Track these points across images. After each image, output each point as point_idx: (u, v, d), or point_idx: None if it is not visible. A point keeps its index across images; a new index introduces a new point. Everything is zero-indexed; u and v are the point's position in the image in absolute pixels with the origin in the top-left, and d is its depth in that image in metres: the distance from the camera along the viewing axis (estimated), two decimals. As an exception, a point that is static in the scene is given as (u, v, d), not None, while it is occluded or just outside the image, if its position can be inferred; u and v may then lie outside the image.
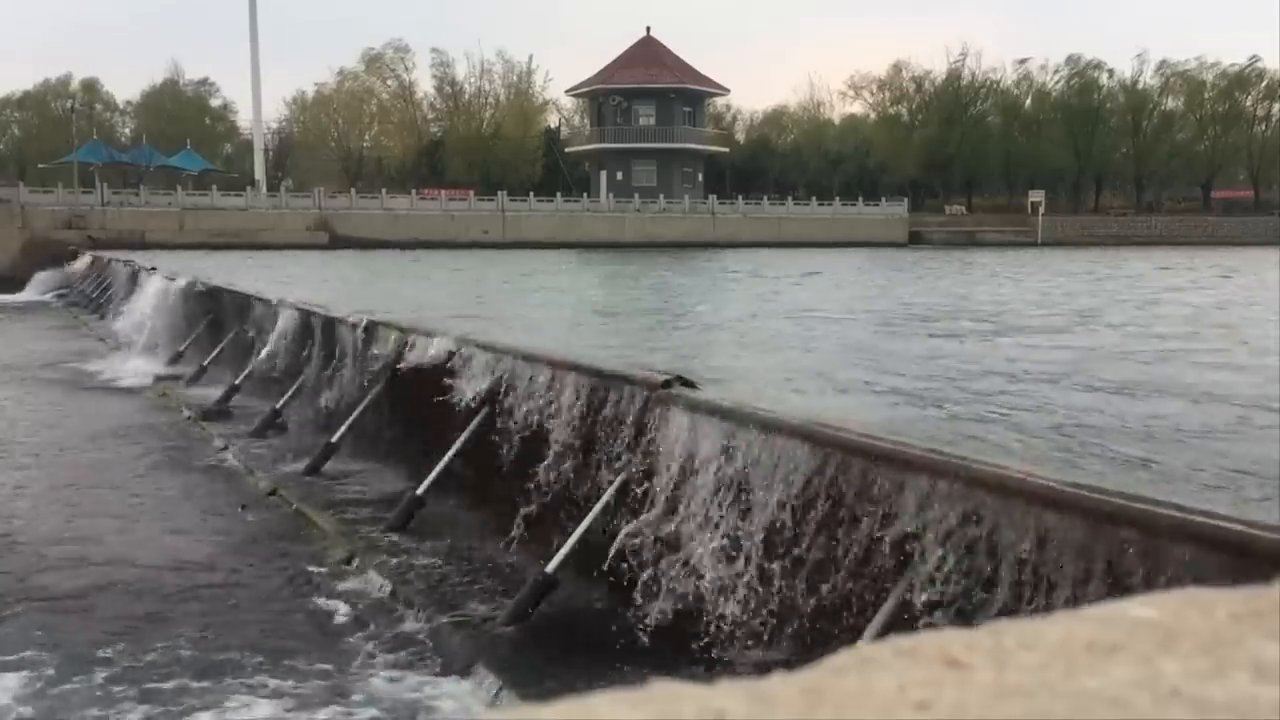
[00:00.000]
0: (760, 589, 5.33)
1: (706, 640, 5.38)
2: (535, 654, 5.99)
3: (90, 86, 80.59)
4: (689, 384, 6.37)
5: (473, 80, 79.21)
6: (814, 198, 70.13)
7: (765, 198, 68.65)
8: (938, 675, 0.65)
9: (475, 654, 6.02)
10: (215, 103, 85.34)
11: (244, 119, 79.10)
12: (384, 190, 60.52)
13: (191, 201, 53.04)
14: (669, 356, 11.34)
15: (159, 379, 16.45)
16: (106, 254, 32.76)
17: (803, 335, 14.26)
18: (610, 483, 6.65)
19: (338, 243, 51.43)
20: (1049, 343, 13.53)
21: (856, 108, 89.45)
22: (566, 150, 77.05)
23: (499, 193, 60.42)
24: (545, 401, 7.55)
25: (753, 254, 47.58)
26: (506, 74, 79.39)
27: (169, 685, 5.66)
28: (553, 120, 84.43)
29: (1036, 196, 72.42)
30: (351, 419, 10.42)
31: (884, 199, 71.56)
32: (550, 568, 6.49)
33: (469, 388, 8.44)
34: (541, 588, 6.45)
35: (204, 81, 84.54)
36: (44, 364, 18.74)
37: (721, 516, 5.67)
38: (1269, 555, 3.19)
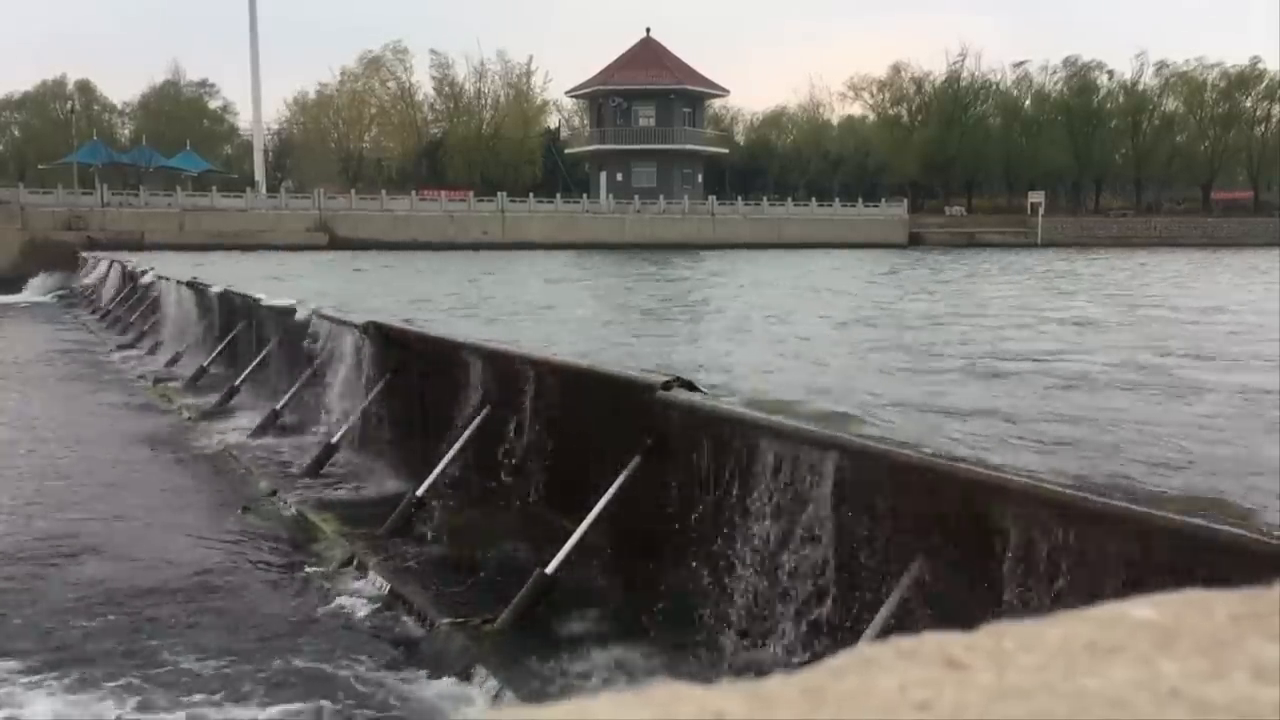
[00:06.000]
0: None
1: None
2: (535, 654, 5.99)
3: (85, 88, 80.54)
4: (689, 386, 6.38)
5: (472, 81, 79.32)
6: (814, 199, 70.12)
7: (765, 199, 68.65)
8: (938, 676, 0.65)
9: (475, 654, 6.02)
10: (215, 104, 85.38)
11: (244, 120, 79.13)
12: (384, 191, 60.50)
13: (191, 202, 53.01)
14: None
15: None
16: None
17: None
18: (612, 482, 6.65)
19: (337, 244, 51.44)
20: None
21: (856, 109, 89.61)
22: (566, 151, 77.05)
23: (499, 194, 60.42)
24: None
25: (728, 257, 47.37)
26: (506, 75, 79.47)
27: (167, 684, 5.66)
28: (552, 121, 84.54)
29: (1036, 198, 72.49)
30: (351, 419, 10.42)
31: (884, 200, 71.57)
32: (550, 568, 6.49)
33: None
34: (541, 588, 6.45)
35: (204, 83, 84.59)
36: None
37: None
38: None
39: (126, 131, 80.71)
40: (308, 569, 7.68)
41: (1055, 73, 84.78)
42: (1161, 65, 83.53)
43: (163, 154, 66.74)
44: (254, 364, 14.07)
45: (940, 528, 4.65)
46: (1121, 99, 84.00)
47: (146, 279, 23.17)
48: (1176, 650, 0.68)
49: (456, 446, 8.49)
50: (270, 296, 14.29)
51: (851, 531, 5.07)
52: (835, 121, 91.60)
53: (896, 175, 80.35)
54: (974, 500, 4.43)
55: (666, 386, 6.31)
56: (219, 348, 16.27)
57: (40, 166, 65.14)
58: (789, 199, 69.77)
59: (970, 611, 4.33)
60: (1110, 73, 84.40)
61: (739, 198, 68.02)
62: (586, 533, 6.60)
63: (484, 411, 8.44)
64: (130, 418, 13.75)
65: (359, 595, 7.13)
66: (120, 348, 20.95)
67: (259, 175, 65.17)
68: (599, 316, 17.64)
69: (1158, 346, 12.08)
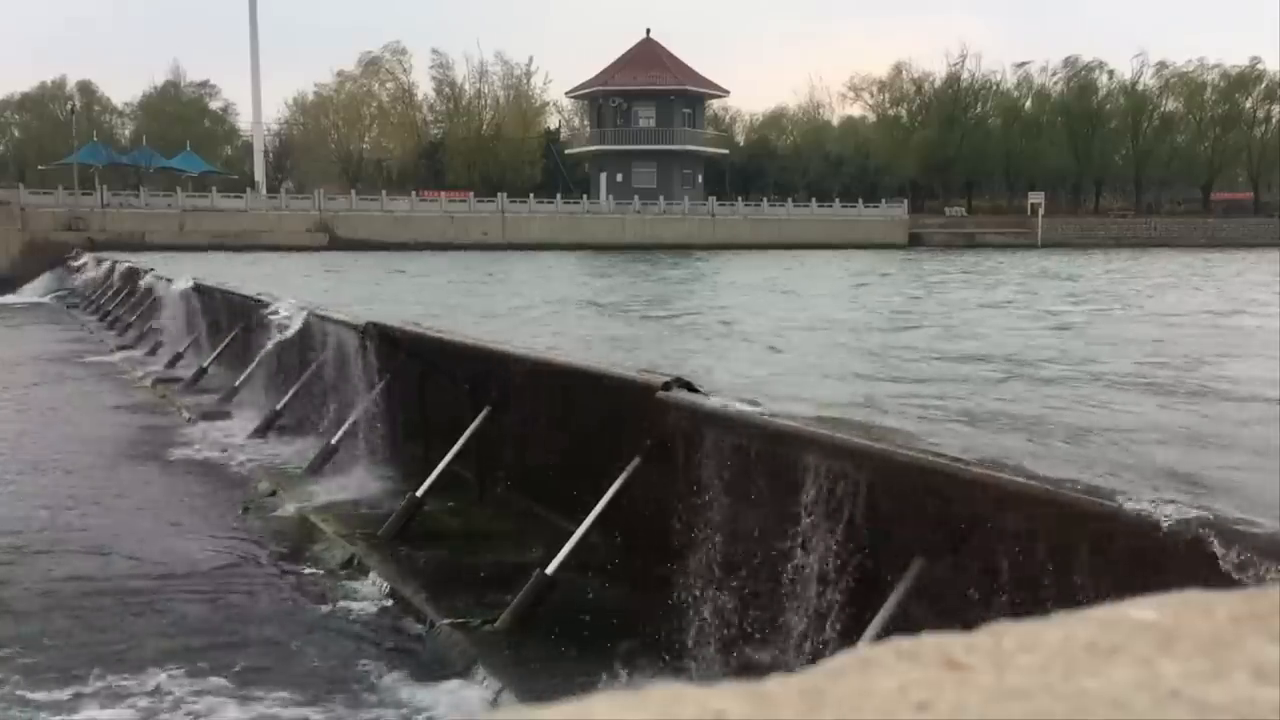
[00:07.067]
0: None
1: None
2: (535, 655, 5.99)
3: (86, 88, 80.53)
4: (689, 386, 6.37)
5: (472, 82, 79.32)
6: (814, 199, 70.10)
7: (765, 199, 68.65)
8: (938, 677, 0.65)
9: (475, 655, 6.02)
10: (216, 105, 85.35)
11: (244, 121, 79.12)
12: (384, 192, 60.53)
13: (191, 203, 53.00)
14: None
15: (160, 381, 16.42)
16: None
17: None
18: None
19: (337, 244, 51.49)
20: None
21: (856, 109, 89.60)
22: (566, 152, 77.04)
23: (499, 194, 60.41)
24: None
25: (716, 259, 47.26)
26: (506, 75, 79.49)
27: (168, 685, 5.65)
28: (552, 122, 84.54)
29: (1036, 198, 72.50)
30: (351, 420, 10.41)
31: (884, 201, 71.55)
32: (550, 569, 6.48)
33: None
34: (541, 589, 6.44)
35: (205, 84, 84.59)
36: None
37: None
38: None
39: (127, 132, 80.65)
40: (308, 570, 7.67)
41: (1055, 73, 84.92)
42: (1161, 66, 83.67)
43: (163, 155, 66.71)
44: (254, 364, 14.05)
45: (939, 529, 4.65)
46: (1121, 99, 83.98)
47: (146, 279, 23.15)
48: (1177, 651, 0.68)
49: (456, 447, 8.48)
50: (270, 296, 14.28)
51: (850, 532, 5.06)
52: (835, 122, 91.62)
53: (897, 176, 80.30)
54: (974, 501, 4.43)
55: (666, 387, 6.31)
56: (219, 348, 16.26)
57: (40, 167, 65.07)
58: (789, 200, 69.76)
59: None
60: (1110, 73, 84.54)
61: (739, 198, 68.01)
62: (587, 533, 6.60)
63: (484, 412, 8.44)
64: (130, 418, 13.74)
65: (359, 596, 7.13)
66: (120, 348, 20.94)
67: (259, 176, 65.16)
68: (599, 316, 17.67)
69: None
